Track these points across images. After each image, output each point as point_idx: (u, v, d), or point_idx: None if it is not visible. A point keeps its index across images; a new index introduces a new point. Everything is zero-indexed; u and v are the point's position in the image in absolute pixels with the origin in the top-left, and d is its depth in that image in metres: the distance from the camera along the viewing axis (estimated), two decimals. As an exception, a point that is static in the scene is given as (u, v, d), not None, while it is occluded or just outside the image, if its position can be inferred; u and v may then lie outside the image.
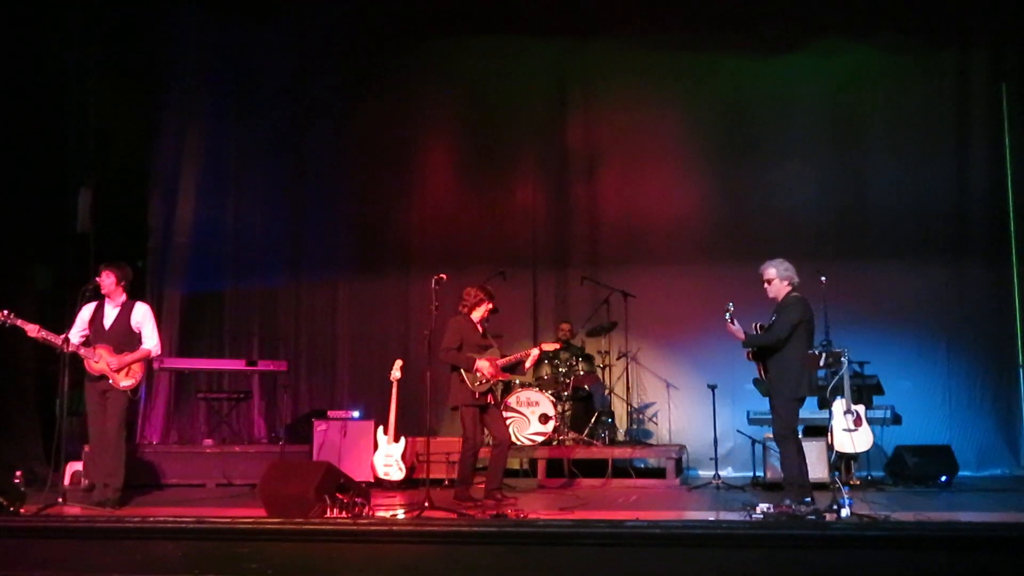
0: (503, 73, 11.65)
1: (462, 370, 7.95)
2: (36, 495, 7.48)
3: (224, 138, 12.03)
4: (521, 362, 8.28)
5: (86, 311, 8.02)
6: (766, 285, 7.37)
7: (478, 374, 7.89)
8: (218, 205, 11.94)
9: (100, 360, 7.82)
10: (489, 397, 8.01)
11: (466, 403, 7.92)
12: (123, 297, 8.09)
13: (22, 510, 6.89)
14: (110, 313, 8.03)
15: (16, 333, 7.69)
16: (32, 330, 7.70)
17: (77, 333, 7.90)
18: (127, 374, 7.87)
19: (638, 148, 11.39)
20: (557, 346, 9.04)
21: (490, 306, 8.16)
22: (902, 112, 10.80)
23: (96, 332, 7.96)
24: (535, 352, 8.29)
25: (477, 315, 8.14)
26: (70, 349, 7.65)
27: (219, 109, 12.08)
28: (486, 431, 8.18)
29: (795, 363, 7.10)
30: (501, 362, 8.05)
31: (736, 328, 7.28)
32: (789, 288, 7.30)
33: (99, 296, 8.03)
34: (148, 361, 8.40)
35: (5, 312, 7.67)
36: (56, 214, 11.03)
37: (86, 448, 8.87)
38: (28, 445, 10.01)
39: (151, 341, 8.08)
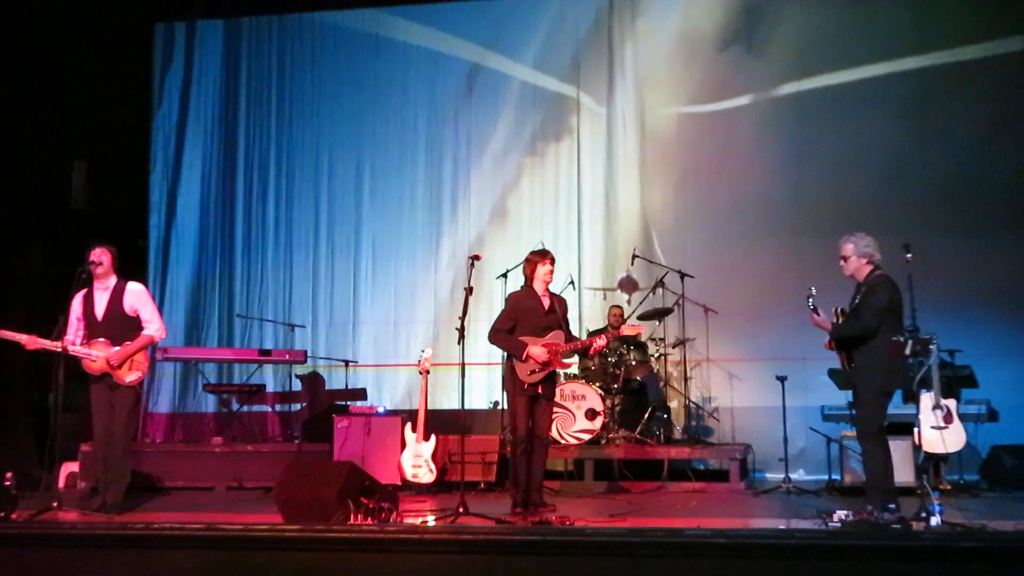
0: (547, 37, 11.67)
1: (513, 357, 7.78)
2: (29, 499, 7.59)
3: (233, 104, 12.19)
4: (587, 349, 8.12)
5: (76, 303, 7.87)
6: (842, 262, 7.30)
7: (529, 362, 7.66)
8: (227, 178, 12.09)
9: (97, 359, 7.74)
10: (540, 388, 7.72)
11: (515, 392, 7.73)
12: (113, 279, 7.94)
13: (13, 516, 6.97)
14: (100, 299, 7.89)
15: (3, 317, 7.73)
16: (29, 341, 7.65)
17: (74, 332, 7.82)
18: (130, 367, 7.81)
19: (696, 109, 11.34)
20: (640, 330, 8.85)
21: (544, 267, 7.77)
22: (997, 71, 10.62)
23: (89, 324, 7.83)
24: (600, 343, 8.07)
25: (539, 285, 7.83)
26: (70, 352, 7.66)
27: (227, 73, 12.22)
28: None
29: (885, 352, 7.01)
30: (562, 349, 7.76)
31: (822, 319, 7.22)
32: (870, 267, 7.21)
33: (88, 280, 7.89)
34: (152, 348, 8.40)
35: None
36: (47, 190, 11.16)
37: (83, 447, 8.97)
38: (19, 444, 10.17)
39: (152, 325, 7.94)
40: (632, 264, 10.95)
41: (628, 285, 11.01)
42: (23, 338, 7.67)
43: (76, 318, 7.88)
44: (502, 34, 11.83)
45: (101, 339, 7.80)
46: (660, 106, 11.47)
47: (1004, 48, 10.64)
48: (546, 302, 7.88)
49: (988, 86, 10.64)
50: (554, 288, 8.07)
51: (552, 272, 7.86)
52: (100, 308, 7.89)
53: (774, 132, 11.12)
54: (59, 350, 7.63)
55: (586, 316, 11.12)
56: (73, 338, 7.78)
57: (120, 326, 7.87)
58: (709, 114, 11.33)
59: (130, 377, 7.81)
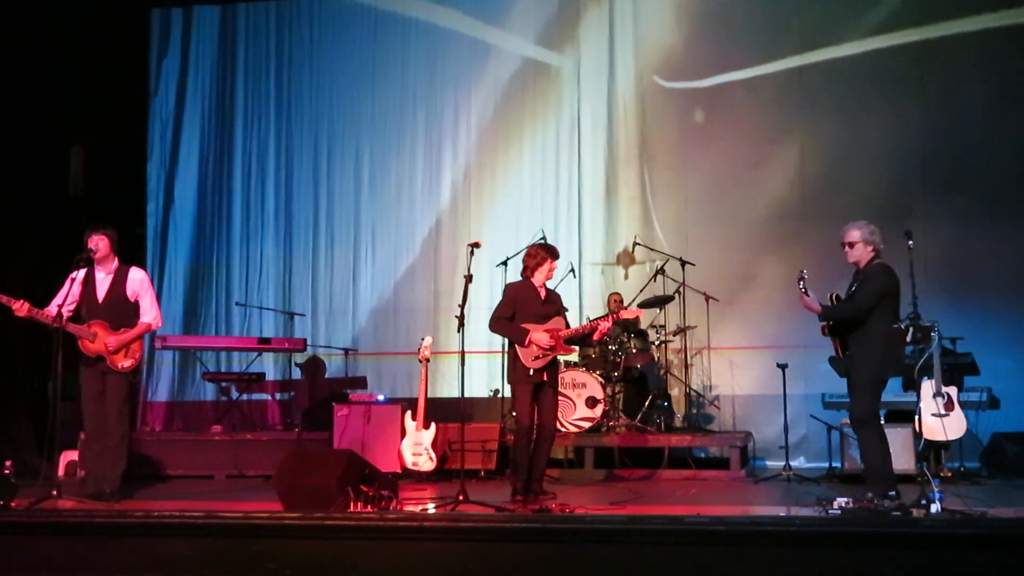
0: (548, 15, 11.67)
1: (515, 344, 7.82)
2: (28, 487, 7.57)
3: (231, 90, 12.19)
4: (590, 334, 8.15)
5: (73, 281, 7.79)
6: (847, 249, 7.30)
7: (532, 347, 7.70)
8: (225, 164, 12.09)
9: (96, 340, 7.74)
10: (544, 375, 7.77)
11: (518, 381, 7.79)
12: (115, 263, 7.95)
13: (13, 504, 6.98)
14: (102, 283, 7.88)
15: (1, 307, 7.68)
16: (19, 308, 7.57)
17: (66, 307, 7.69)
18: (125, 354, 7.82)
19: (696, 93, 11.30)
20: (639, 313, 8.84)
21: (554, 265, 7.93)
22: (1002, 45, 10.53)
23: (88, 306, 7.82)
24: (605, 325, 8.10)
25: (540, 278, 7.91)
26: (61, 326, 7.54)
27: (224, 59, 12.22)
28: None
29: (879, 339, 7.04)
30: (564, 334, 7.82)
31: (811, 299, 7.22)
32: (873, 254, 7.23)
33: (88, 264, 7.87)
34: (149, 337, 8.38)
35: None
36: (44, 177, 11.14)
37: (82, 436, 8.97)
38: (18, 432, 10.17)
39: (150, 313, 7.97)
40: (633, 251, 10.99)
41: (625, 259, 11.12)
42: (15, 304, 7.57)
43: (74, 295, 7.77)
44: (499, 10, 11.81)
45: (100, 322, 7.79)
46: (661, 80, 11.38)
47: (1003, 30, 10.51)
48: (543, 293, 7.96)
49: (994, 61, 10.54)
50: (556, 275, 8.12)
51: (553, 272, 8.00)
52: (101, 291, 7.89)
53: (775, 112, 11.07)
54: (50, 319, 7.51)
55: (586, 304, 11.12)
56: (65, 308, 7.61)
57: (120, 310, 7.87)
58: (709, 91, 11.22)
59: (124, 363, 7.81)
